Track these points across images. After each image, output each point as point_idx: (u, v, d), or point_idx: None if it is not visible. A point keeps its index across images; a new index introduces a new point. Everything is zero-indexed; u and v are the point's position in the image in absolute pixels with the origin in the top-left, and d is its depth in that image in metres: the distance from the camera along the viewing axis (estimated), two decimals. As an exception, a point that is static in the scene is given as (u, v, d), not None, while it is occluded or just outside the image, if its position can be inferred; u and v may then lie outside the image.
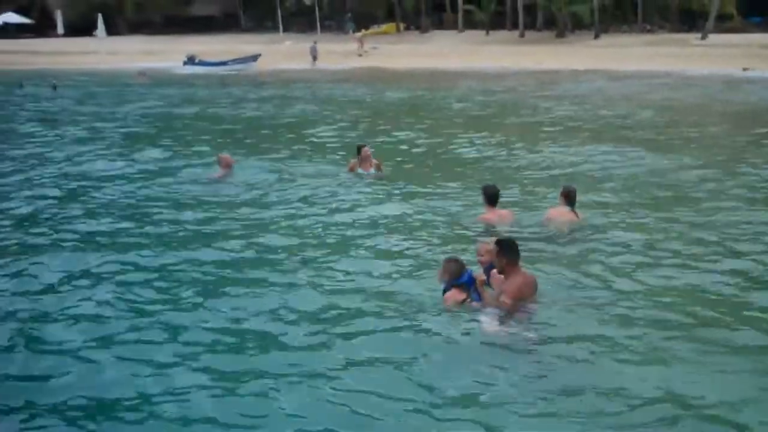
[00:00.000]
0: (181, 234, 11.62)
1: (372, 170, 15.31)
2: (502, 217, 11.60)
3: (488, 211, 11.62)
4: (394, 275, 9.43)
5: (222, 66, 53.49)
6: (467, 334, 7.65)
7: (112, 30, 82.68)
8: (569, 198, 11.73)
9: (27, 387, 6.93)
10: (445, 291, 8.27)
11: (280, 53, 59.18)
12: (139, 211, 13.08)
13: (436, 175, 15.71)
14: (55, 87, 38.72)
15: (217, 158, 15.95)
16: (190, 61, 54.15)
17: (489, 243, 8.82)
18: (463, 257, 8.90)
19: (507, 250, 8.11)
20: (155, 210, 13.09)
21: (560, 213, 11.66)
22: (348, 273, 9.54)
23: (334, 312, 8.30)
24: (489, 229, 11.23)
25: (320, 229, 11.61)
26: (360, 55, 56.73)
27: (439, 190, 14.18)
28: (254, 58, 54.51)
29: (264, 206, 13.16)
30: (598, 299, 8.59)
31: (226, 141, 20.87)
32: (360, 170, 15.27)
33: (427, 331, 7.75)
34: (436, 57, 53.92)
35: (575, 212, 11.66)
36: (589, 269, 9.55)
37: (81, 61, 58.88)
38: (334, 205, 13.06)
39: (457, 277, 8.22)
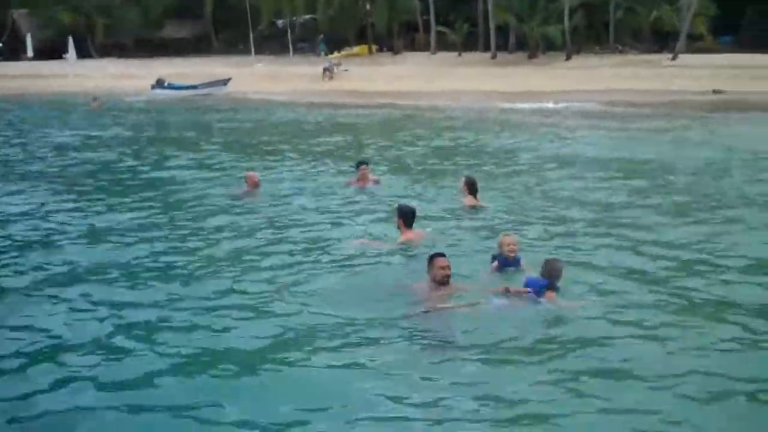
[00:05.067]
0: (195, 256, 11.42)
1: (370, 185, 16.14)
2: (419, 237, 11.66)
3: (406, 231, 11.60)
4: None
5: (192, 90, 52.73)
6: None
7: (82, 53, 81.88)
8: (472, 187, 13.30)
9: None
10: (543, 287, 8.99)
11: (252, 76, 58.54)
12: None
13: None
14: None
15: (244, 176, 16.17)
16: (159, 84, 53.20)
17: (514, 235, 10.47)
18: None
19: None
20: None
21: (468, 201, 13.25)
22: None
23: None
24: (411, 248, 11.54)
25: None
26: (331, 78, 56.16)
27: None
28: (225, 82, 53.71)
29: (281, 227, 13.15)
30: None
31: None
32: (353, 186, 16.19)
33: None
34: (407, 79, 53.35)
35: (477, 199, 13.29)
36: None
37: (47, 85, 58.07)
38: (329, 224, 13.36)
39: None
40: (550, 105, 38.10)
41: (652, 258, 10.94)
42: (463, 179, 13.76)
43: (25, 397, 6.97)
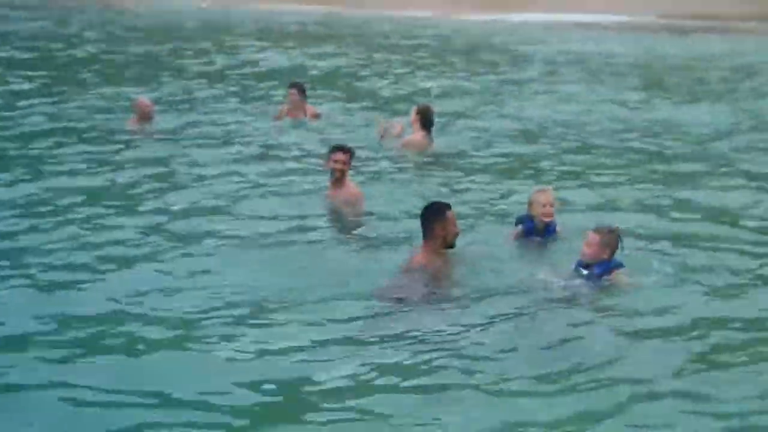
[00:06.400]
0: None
1: (305, 119, 13.73)
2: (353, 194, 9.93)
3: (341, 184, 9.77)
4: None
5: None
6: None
7: None
8: (426, 118, 12.01)
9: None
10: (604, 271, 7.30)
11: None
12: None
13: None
14: None
15: (131, 103, 13.74)
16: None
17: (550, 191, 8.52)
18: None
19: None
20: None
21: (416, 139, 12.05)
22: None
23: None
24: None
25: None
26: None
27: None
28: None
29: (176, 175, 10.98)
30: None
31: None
32: (287, 118, 13.75)
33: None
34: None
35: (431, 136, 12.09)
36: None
37: None
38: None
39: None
40: (540, 15, 31.23)
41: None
42: (415, 108, 12.35)
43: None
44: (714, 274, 7.67)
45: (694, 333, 6.50)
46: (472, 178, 11.11)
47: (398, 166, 11.58)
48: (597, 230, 7.42)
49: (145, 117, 13.29)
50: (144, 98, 13.83)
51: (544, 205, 8.18)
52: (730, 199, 10.22)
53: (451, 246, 7.54)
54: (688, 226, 9.26)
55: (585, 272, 7.34)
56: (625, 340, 6.37)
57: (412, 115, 12.26)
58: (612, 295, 7.14)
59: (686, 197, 10.32)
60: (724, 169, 11.70)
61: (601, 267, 7.31)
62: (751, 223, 9.37)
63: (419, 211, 7.73)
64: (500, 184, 10.84)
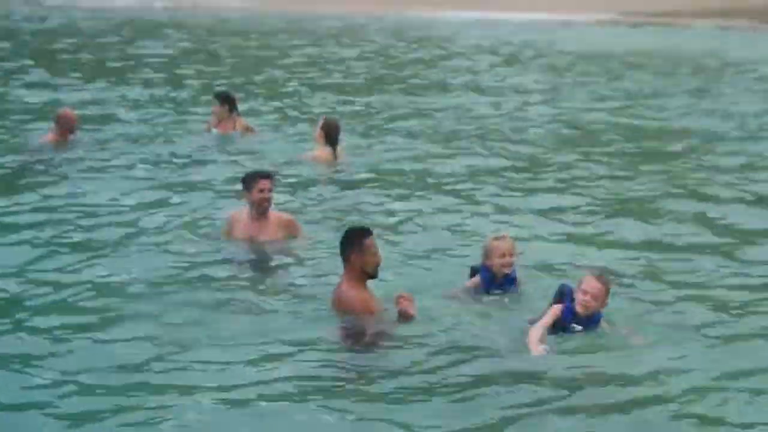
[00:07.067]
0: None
1: (235, 132, 13.11)
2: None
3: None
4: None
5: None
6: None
7: None
8: (330, 134, 11.76)
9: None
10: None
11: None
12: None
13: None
14: None
15: (54, 116, 12.50)
16: None
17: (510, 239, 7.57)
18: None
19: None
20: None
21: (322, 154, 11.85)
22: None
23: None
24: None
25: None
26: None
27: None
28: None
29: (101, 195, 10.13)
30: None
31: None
32: (215, 130, 13.09)
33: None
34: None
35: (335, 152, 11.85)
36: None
37: None
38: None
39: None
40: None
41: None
42: (320, 122, 11.96)
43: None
44: (703, 311, 7.13)
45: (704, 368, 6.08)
46: (392, 194, 10.43)
47: (307, 183, 10.90)
48: (600, 279, 6.49)
49: (68, 131, 12.27)
50: (69, 110, 12.74)
51: (503, 255, 7.28)
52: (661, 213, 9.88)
53: (373, 276, 6.83)
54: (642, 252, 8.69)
55: (579, 329, 6.45)
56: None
57: (317, 129, 11.79)
58: (614, 346, 6.40)
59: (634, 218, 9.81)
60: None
61: (596, 319, 6.52)
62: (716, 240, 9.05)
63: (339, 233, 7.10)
64: (432, 202, 10.16)
